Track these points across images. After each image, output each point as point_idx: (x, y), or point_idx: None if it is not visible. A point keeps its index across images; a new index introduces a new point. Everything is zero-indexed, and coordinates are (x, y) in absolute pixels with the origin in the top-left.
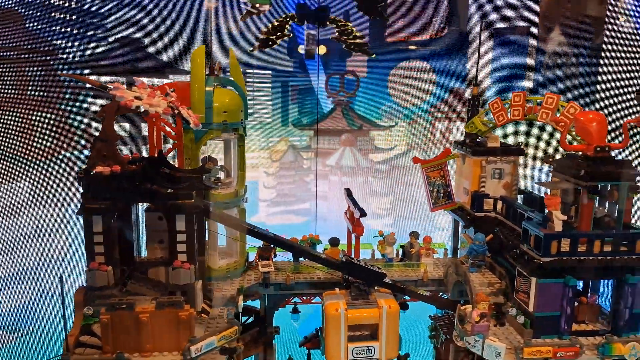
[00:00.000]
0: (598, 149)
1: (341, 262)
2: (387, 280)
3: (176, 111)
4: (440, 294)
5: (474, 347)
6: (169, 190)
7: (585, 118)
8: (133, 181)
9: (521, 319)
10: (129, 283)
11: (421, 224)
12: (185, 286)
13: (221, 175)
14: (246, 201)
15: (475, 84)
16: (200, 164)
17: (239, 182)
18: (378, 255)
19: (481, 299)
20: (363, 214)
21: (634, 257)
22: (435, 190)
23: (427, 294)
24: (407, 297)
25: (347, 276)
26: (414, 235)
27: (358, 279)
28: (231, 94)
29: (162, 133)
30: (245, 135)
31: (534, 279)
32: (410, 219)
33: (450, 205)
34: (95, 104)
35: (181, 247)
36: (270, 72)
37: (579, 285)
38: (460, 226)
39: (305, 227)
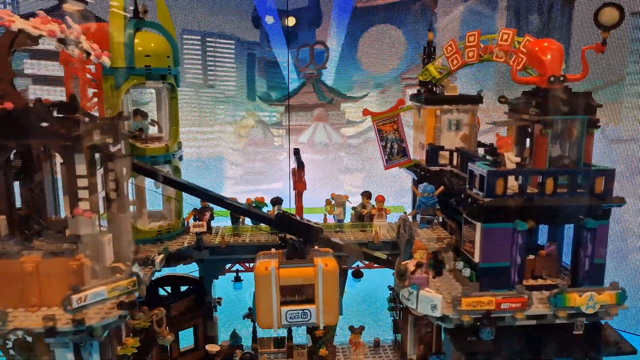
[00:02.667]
0: (552, 79)
1: (274, 216)
2: (325, 236)
3: (70, 41)
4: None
5: (409, 300)
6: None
7: (537, 47)
8: (28, 120)
9: (467, 271)
10: (35, 239)
11: (396, 200)
12: (86, 238)
13: (155, 130)
14: (181, 159)
15: (430, 29)
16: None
17: (171, 137)
18: (331, 220)
19: (418, 247)
20: (300, 164)
21: (593, 197)
22: (389, 145)
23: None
24: (360, 264)
25: (282, 234)
26: (366, 195)
27: (293, 236)
28: (156, 37)
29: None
30: (178, 86)
31: (478, 224)
32: (384, 194)
33: (406, 162)
34: None
35: (83, 194)
36: (233, 42)
37: (542, 239)
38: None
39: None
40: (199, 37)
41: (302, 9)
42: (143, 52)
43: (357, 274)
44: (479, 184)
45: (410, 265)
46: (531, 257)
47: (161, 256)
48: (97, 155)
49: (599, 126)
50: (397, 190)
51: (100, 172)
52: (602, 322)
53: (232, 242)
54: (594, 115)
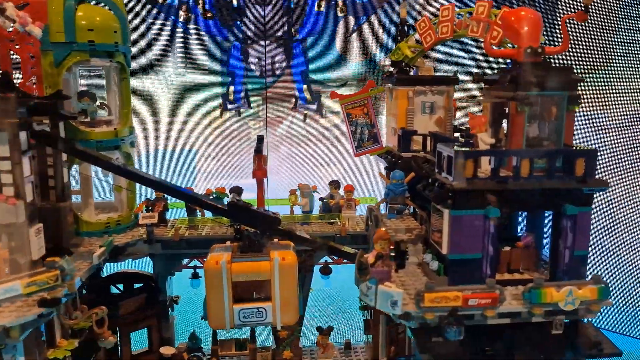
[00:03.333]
0: (528, 51)
1: (227, 205)
2: (285, 228)
3: None
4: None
5: (367, 296)
6: None
7: (513, 16)
8: None
9: (434, 264)
10: None
11: (375, 193)
12: (8, 227)
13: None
14: (133, 145)
15: (403, 4)
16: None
17: (121, 121)
18: (298, 211)
19: (379, 236)
20: (258, 150)
21: (573, 180)
22: (359, 130)
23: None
24: (329, 260)
25: (238, 226)
26: (334, 184)
27: (248, 227)
28: (102, 11)
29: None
30: (129, 66)
31: (446, 211)
32: (363, 189)
33: (377, 148)
34: None
35: (5, 179)
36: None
37: (521, 229)
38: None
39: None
40: (167, 23)
41: None
42: (86, 26)
43: (326, 270)
44: (447, 167)
45: (370, 256)
46: (507, 249)
47: (101, 249)
48: (23, 136)
49: (580, 102)
50: (379, 182)
51: (28, 155)
52: (584, 320)
53: (188, 236)
54: (575, 91)
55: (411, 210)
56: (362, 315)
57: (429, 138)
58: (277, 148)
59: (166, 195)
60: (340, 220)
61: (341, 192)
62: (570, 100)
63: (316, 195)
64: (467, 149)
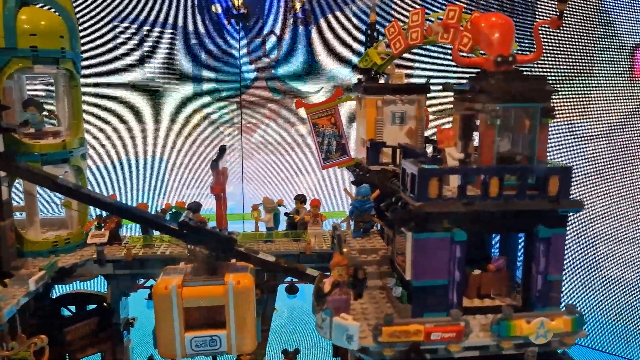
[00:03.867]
0: (499, 59)
1: (178, 225)
2: (241, 249)
3: None
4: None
5: (321, 329)
6: None
7: (484, 22)
8: None
9: (398, 291)
10: None
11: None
12: None
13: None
14: (84, 157)
15: (373, 9)
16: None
17: (71, 132)
18: (263, 228)
19: (336, 262)
20: (214, 164)
21: (546, 200)
22: (326, 141)
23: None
24: (294, 279)
25: (191, 246)
26: (300, 199)
27: (202, 247)
28: (48, 14)
29: None
30: (80, 73)
31: (409, 234)
32: (341, 198)
33: (346, 160)
34: None
35: None
36: (175, 31)
37: (494, 246)
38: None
39: (230, 214)
40: (134, 26)
41: None
42: (29, 31)
43: (292, 290)
44: (411, 185)
45: (327, 284)
46: (477, 272)
47: (40, 273)
48: None
49: (554, 116)
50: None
51: None
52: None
53: (142, 255)
54: (548, 103)
55: (378, 227)
56: None
57: (398, 150)
58: (252, 156)
59: None
60: (305, 238)
61: (308, 206)
62: (544, 113)
63: (282, 210)
64: (432, 166)
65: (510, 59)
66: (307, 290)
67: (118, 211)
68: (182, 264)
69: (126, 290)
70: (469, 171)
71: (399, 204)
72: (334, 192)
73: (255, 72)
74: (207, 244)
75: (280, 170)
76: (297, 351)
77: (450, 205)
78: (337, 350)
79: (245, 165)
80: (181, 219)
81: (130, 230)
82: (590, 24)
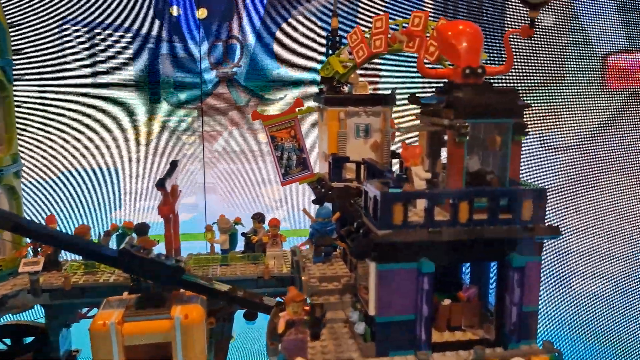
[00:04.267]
0: (468, 71)
1: (117, 253)
2: (191, 278)
3: None
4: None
5: None
6: None
7: (450, 31)
8: None
9: (360, 327)
10: None
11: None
12: None
13: None
14: (18, 176)
15: (334, 14)
16: None
17: (2, 149)
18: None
19: (291, 298)
20: (159, 183)
21: (520, 226)
22: (286, 156)
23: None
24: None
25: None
26: (258, 218)
27: (145, 278)
28: None
29: None
30: (11, 82)
31: (372, 265)
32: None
33: (307, 176)
34: None
35: None
36: (130, 34)
37: (464, 273)
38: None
39: (192, 226)
40: (85, 29)
41: (213, 0)
42: None
43: (250, 316)
44: (373, 210)
45: (281, 323)
46: (447, 302)
47: None
48: None
49: (527, 133)
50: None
51: None
52: None
53: (83, 283)
54: (521, 119)
55: (341, 250)
56: None
57: (362, 166)
58: (214, 165)
59: None
60: (263, 261)
61: (267, 226)
62: (516, 130)
63: (240, 229)
64: (396, 190)
65: (480, 70)
66: (266, 317)
67: (47, 239)
68: (125, 294)
69: (67, 321)
70: (437, 196)
71: (361, 231)
72: (300, 204)
73: (217, 78)
74: (151, 274)
75: (244, 180)
76: None
77: (416, 234)
78: None
79: (207, 174)
80: (122, 245)
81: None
82: (561, 30)
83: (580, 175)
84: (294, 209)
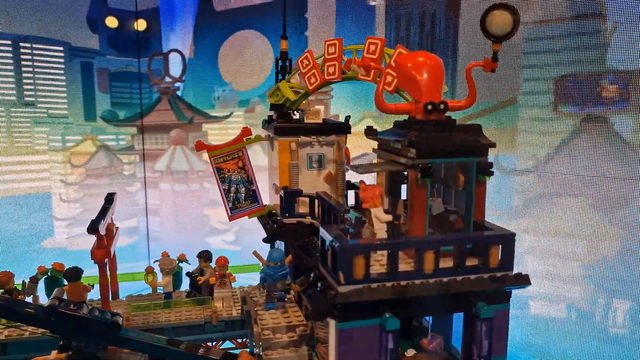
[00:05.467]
0: (429, 107)
1: (43, 311)
2: (128, 334)
3: None
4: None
5: None
6: None
7: (410, 62)
8: None
9: None
10: None
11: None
12: None
13: None
14: None
15: (283, 36)
16: None
17: None
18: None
19: None
20: (90, 227)
21: (487, 275)
22: (234, 189)
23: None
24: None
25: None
26: (204, 256)
27: (77, 338)
28: None
29: None
30: None
31: (332, 323)
32: (257, 232)
33: (257, 210)
34: None
35: None
36: (61, 48)
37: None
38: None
39: (133, 251)
40: (8, 42)
41: (152, 11)
42: None
43: None
44: (332, 261)
45: None
46: (411, 352)
47: None
48: None
49: (492, 172)
50: None
51: None
52: None
53: (6, 339)
54: (485, 158)
55: (295, 295)
56: None
57: (317, 200)
58: (156, 185)
59: None
60: (211, 305)
61: (214, 264)
62: (481, 169)
63: (184, 267)
64: (356, 242)
65: (442, 106)
66: None
67: None
68: (54, 354)
69: None
70: (400, 246)
71: (319, 285)
72: (249, 226)
73: (158, 94)
74: (83, 333)
75: (189, 202)
76: None
77: (380, 291)
78: None
79: (149, 195)
80: (47, 302)
81: None
82: (515, 53)
83: (536, 196)
84: (242, 231)
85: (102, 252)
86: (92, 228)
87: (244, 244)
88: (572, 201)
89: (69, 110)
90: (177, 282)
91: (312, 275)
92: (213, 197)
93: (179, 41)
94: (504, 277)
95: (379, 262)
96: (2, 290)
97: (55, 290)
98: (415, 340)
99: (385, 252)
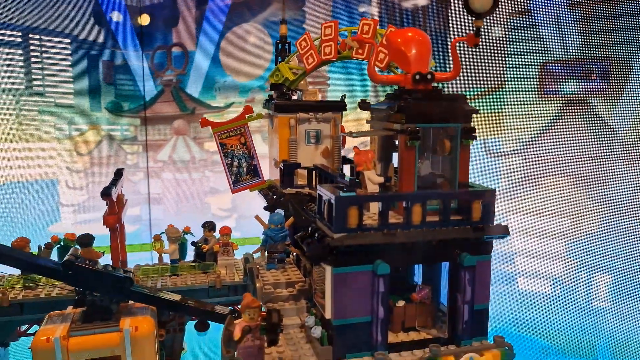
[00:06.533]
0: (417, 77)
1: (61, 265)
2: (139, 289)
3: None
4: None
5: None
6: None
7: (400, 38)
8: None
9: (317, 331)
10: None
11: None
12: None
13: None
14: None
15: (283, 21)
16: None
17: None
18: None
19: (246, 304)
20: (104, 191)
21: (470, 227)
22: (236, 163)
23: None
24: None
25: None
26: (208, 226)
27: (92, 291)
28: None
29: None
30: None
31: (328, 269)
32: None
33: (258, 183)
34: None
35: None
36: (68, 40)
37: (417, 277)
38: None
39: (137, 238)
40: (18, 33)
41: (156, 6)
42: None
43: (202, 326)
44: (328, 214)
45: (237, 330)
46: (401, 304)
47: None
48: None
49: (475, 137)
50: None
51: None
52: None
53: (23, 298)
54: (469, 123)
55: (294, 257)
56: None
57: (314, 172)
58: (159, 174)
59: None
60: (215, 270)
61: (217, 234)
62: (464, 134)
63: (189, 238)
64: (350, 193)
65: (429, 76)
66: (219, 327)
67: None
68: (69, 309)
69: (4, 340)
70: (390, 198)
71: (316, 235)
72: (249, 213)
73: (161, 86)
74: (98, 286)
75: (191, 190)
76: None
77: (371, 236)
78: None
79: (152, 185)
80: (66, 257)
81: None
82: (501, 41)
83: (521, 178)
84: (243, 218)
85: (114, 218)
86: (105, 193)
87: (243, 230)
88: (556, 181)
89: (75, 100)
90: (182, 253)
91: (309, 228)
92: (214, 185)
93: (182, 35)
94: (485, 227)
95: (370, 218)
96: None
97: (71, 249)
98: (406, 295)
99: (377, 209)
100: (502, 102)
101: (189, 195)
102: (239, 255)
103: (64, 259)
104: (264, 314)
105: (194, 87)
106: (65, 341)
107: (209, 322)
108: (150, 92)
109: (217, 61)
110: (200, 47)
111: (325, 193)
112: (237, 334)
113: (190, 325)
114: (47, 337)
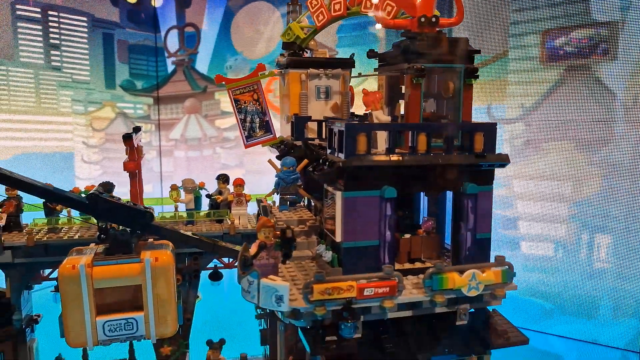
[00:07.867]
0: (423, 19)
1: (86, 198)
2: (159, 223)
3: None
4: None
5: (248, 293)
6: None
7: None
8: None
9: (328, 255)
10: None
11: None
12: None
13: None
14: None
15: None
16: None
17: None
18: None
19: (262, 224)
20: (125, 135)
21: (472, 156)
22: (249, 119)
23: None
24: (219, 264)
25: (103, 224)
26: (222, 179)
27: (114, 223)
28: None
29: None
30: None
31: (338, 194)
32: (267, 188)
33: (270, 139)
34: None
35: None
36: (85, 18)
37: (422, 212)
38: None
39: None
40: (38, 9)
41: None
42: None
43: (215, 276)
44: (338, 143)
45: (253, 247)
46: (407, 236)
47: None
48: None
49: (478, 76)
50: None
51: None
52: (490, 308)
53: (47, 240)
54: (472, 64)
55: (305, 201)
56: (259, 325)
57: (324, 124)
58: (171, 152)
59: (20, 194)
60: (229, 218)
61: (231, 187)
62: (467, 74)
63: (203, 193)
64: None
65: (434, 19)
66: (232, 277)
67: (14, 183)
68: (92, 245)
69: (28, 282)
70: (397, 127)
71: (328, 164)
72: (259, 185)
73: (174, 65)
74: (120, 218)
75: (202, 167)
76: (222, 342)
77: (379, 160)
78: (264, 339)
79: (164, 163)
80: (90, 192)
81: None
82: (504, 9)
83: (524, 144)
84: (251, 192)
85: (134, 164)
86: (127, 136)
87: (252, 206)
88: (557, 145)
89: (91, 76)
90: (197, 205)
91: (320, 160)
92: (225, 162)
93: (194, 15)
94: (486, 155)
95: (378, 152)
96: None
97: (96, 188)
98: (412, 232)
99: (383, 145)
100: (505, 70)
101: (201, 172)
102: (251, 210)
103: (90, 193)
104: (278, 233)
105: (205, 65)
106: (89, 269)
107: (222, 272)
108: (163, 71)
109: (229, 39)
110: (211, 26)
111: (336, 125)
112: (253, 250)
113: (204, 275)
114: (73, 265)
